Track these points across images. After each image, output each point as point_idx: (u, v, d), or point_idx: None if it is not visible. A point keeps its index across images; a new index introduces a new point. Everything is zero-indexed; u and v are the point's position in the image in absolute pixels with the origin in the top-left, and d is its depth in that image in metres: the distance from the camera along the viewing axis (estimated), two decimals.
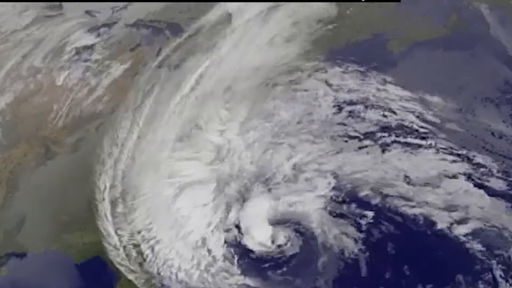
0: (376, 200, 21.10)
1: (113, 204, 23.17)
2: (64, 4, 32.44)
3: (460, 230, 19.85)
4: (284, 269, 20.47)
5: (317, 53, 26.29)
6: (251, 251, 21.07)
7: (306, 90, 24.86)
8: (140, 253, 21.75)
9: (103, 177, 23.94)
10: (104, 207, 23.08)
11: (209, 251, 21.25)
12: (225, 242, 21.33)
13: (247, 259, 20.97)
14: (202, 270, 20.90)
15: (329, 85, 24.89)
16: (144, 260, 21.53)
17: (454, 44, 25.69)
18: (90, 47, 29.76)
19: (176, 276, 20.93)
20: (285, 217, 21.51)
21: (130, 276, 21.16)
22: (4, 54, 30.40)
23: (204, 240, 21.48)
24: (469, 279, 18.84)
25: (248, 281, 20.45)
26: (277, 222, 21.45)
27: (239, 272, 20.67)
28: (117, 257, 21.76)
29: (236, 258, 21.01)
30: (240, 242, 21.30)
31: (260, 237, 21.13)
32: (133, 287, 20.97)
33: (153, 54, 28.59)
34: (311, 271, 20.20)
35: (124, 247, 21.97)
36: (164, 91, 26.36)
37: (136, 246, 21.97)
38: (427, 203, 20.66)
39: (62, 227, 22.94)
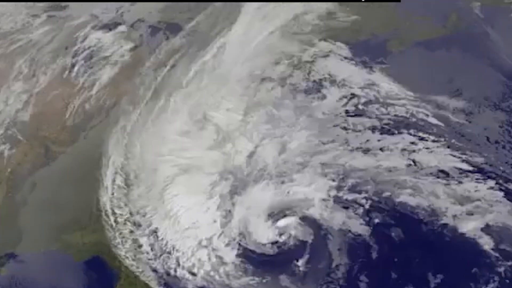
0: (378, 191, 21.13)
1: (115, 175, 23.36)
2: (70, 4, 32.42)
3: (469, 225, 19.87)
4: (299, 260, 20.34)
5: (320, 49, 26.43)
6: (259, 247, 20.88)
7: (308, 84, 24.95)
8: (136, 241, 21.71)
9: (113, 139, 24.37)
10: (107, 177, 23.24)
11: (213, 250, 21.04)
12: (230, 241, 21.10)
13: (256, 257, 20.78)
14: (205, 269, 20.69)
15: (332, 80, 24.96)
16: (139, 247, 21.50)
17: (454, 44, 25.77)
18: (93, 47, 29.72)
19: (175, 271, 20.84)
20: (287, 208, 21.43)
21: (126, 262, 21.13)
22: (12, 54, 30.39)
23: (207, 239, 21.28)
24: (478, 274, 18.89)
25: (257, 279, 20.32)
26: (280, 214, 21.36)
27: (249, 271, 20.45)
28: (114, 239, 21.76)
29: (244, 256, 20.78)
30: (246, 240, 21.08)
31: (266, 232, 20.97)
32: (133, 287, 20.94)
33: (152, 54, 28.60)
34: (325, 258, 20.21)
35: (120, 231, 21.94)
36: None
37: (132, 232, 21.92)
38: (434, 195, 20.65)
39: (62, 227, 22.89)
